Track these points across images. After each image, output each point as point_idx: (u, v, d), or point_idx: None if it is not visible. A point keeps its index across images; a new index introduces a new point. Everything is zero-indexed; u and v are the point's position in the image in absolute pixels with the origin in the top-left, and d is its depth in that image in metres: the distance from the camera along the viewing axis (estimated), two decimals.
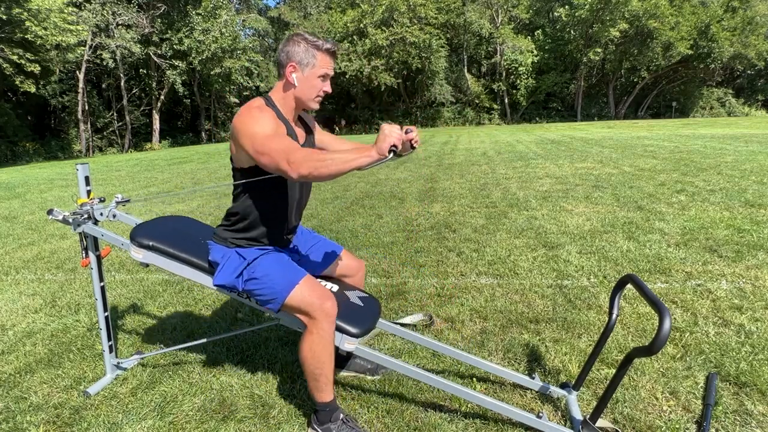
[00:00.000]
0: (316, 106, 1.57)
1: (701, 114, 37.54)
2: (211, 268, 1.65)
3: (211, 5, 26.44)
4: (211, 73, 27.26)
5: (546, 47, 36.16)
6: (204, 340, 2.09)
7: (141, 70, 27.65)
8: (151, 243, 1.69)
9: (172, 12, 26.87)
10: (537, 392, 1.76)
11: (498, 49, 36.76)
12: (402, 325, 2.29)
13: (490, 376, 1.89)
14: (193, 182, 8.72)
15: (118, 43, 23.58)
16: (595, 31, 32.72)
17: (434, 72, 34.08)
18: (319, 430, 1.56)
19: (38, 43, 17.67)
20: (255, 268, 1.55)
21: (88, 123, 24.83)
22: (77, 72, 23.20)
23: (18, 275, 3.54)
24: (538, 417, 1.49)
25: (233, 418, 1.69)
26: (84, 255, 1.85)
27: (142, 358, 2.10)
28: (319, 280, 1.81)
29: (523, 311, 2.46)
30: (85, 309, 2.77)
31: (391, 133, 1.23)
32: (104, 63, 23.80)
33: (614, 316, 1.55)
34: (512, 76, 36.97)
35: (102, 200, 1.86)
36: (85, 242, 1.83)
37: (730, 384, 1.76)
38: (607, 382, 1.64)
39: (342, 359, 1.93)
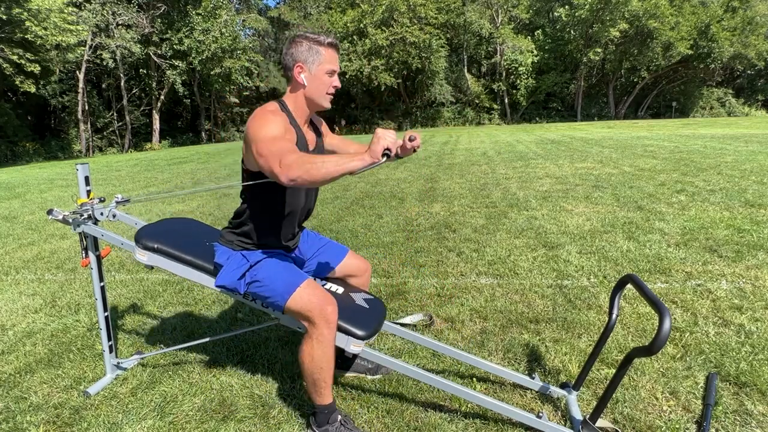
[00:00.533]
0: (328, 105, 1.55)
1: (701, 114, 37.53)
2: (216, 271, 1.64)
3: (211, 5, 26.46)
4: (211, 73, 27.29)
5: (546, 47, 36.15)
6: (204, 340, 2.09)
7: (141, 70, 27.66)
8: (156, 245, 1.68)
9: (172, 12, 26.89)
10: (537, 392, 1.76)
11: (498, 49, 36.76)
12: (402, 325, 2.29)
13: (490, 376, 1.89)
14: (193, 182, 8.72)
15: (118, 43, 23.59)
16: (595, 31, 32.72)
17: (434, 72, 34.09)
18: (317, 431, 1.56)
19: (38, 43, 17.67)
20: (257, 271, 1.55)
21: (88, 123, 24.84)
22: (77, 72, 23.21)
23: (18, 275, 3.54)
24: (538, 417, 1.49)
25: (233, 418, 1.69)
26: (84, 255, 1.85)
27: (142, 358, 2.10)
28: (323, 281, 1.81)
29: (523, 311, 2.46)
30: (85, 309, 2.77)
31: (385, 136, 1.22)
32: (104, 63, 23.82)
33: (614, 316, 1.55)
34: (512, 76, 36.96)
35: (102, 200, 1.86)
36: (85, 242, 1.84)
37: (730, 384, 1.76)
38: (607, 382, 1.65)
39: (347, 361, 1.93)
